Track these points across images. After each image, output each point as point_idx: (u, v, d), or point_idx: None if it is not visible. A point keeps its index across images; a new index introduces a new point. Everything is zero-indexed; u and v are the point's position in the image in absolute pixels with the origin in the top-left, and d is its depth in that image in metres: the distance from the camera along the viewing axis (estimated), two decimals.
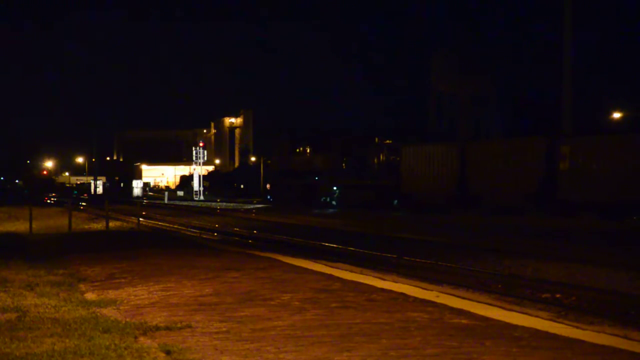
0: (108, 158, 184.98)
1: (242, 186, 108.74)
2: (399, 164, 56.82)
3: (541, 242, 28.73)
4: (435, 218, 45.50)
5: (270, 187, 79.75)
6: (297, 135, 75.90)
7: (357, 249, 25.12)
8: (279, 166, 76.17)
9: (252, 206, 71.32)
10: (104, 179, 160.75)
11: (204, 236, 33.57)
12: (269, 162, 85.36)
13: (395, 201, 57.38)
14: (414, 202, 54.63)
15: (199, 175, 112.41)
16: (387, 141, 62.50)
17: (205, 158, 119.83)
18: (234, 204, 77.46)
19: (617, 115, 66.95)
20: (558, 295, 15.84)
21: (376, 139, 64.01)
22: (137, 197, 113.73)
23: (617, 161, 41.59)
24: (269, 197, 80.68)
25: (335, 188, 65.59)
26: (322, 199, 66.65)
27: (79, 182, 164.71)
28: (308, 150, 71.32)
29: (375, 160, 60.61)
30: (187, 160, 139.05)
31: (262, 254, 20.39)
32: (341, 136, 67.24)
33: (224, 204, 79.37)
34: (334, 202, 65.44)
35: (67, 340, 9.29)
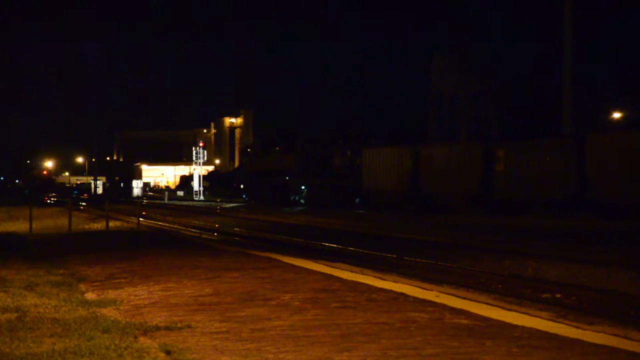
0: (108, 158, 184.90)
1: (241, 186, 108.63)
2: (360, 165, 59.87)
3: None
4: (391, 216, 48.35)
5: (245, 186, 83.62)
6: (270, 137, 79.65)
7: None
8: (254, 166, 79.44)
9: (230, 205, 74.54)
10: (104, 179, 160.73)
11: (204, 236, 33.60)
12: (244, 162, 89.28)
13: (357, 200, 60.63)
14: (373, 200, 57.62)
15: (199, 175, 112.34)
16: (352, 143, 65.75)
17: (205, 158, 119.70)
18: (207, 203, 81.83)
19: (617, 115, 66.96)
20: (558, 295, 15.86)
21: (340, 141, 67.62)
22: (137, 197, 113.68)
23: (544, 163, 44.27)
24: (244, 196, 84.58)
25: (303, 187, 68.81)
26: (291, 198, 69.82)
27: (79, 182, 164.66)
28: (278, 151, 74.61)
29: (340, 161, 64.09)
30: (187, 160, 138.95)
31: (262, 254, 20.40)
32: (309, 137, 71.91)
33: (224, 204, 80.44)
34: (302, 201, 68.54)
35: (67, 340, 9.29)
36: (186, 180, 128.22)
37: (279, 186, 71.72)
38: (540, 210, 43.43)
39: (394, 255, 22.51)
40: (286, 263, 17.86)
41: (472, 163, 49.28)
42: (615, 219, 37.80)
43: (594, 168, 41.18)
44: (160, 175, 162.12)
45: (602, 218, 38.78)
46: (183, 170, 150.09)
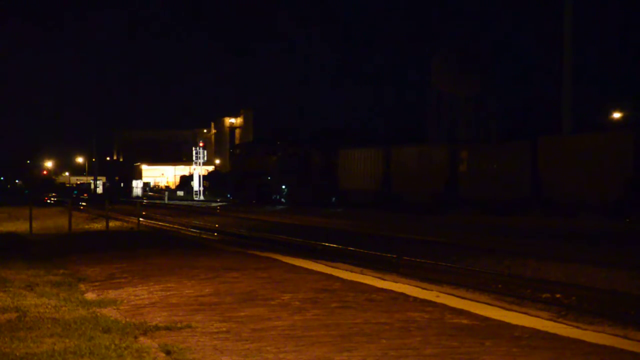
0: (108, 158, 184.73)
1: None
2: (337, 165, 62.72)
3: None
4: (363, 213, 50.74)
5: (230, 186, 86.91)
6: (253, 138, 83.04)
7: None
8: (239, 167, 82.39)
9: (215, 204, 77.80)
10: (104, 179, 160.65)
11: (204, 236, 33.62)
12: (229, 162, 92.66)
13: (334, 198, 63.49)
14: (349, 200, 60.33)
15: (199, 175, 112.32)
16: (331, 144, 68.58)
17: (205, 158, 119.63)
18: (207, 203, 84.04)
19: (617, 115, 66.96)
20: (558, 295, 15.85)
21: (316, 142, 71.84)
22: (137, 197, 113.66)
23: (503, 165, 46.74)
24: (229, 195, 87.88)
25: (284, 187, 71.67)
26: (273, 197, 72.68)
27: (79, 182, 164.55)
28: (261, 151, 77.61)
29: (318, 161, 67.05)
30: (187, 160, 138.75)
31: (262, 254, 20.40)
32: (290, 139, 75.49)
33: (209, 203, 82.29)
34: (283, 200, 71.34)
35: (67, 340, 9.30)
36: (186, 180, 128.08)
37: (261, 185, 74.76)
38: (498, 209, 45.47)
39: (394, 255, 22.51)
40: (286, 263, 17.86)
41: (439, 164, 51.64)
42: (566, 217, 40.11)
43: (546, 169, 43.51)
44: (160, 175, 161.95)
45: (554, 216, 40.94)
46: (183, 170, 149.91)
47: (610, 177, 39.74)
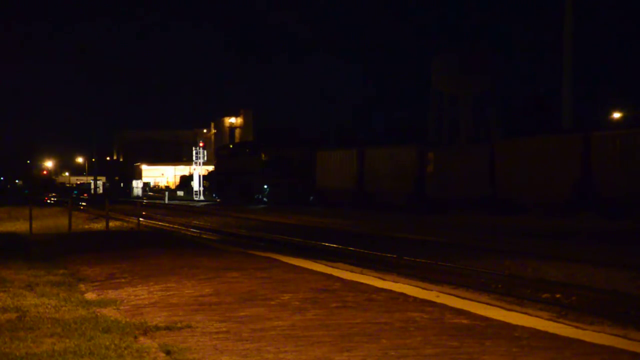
0: (108, 158, 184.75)
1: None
2: (315, 166, 65.51)
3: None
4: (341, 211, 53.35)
5: (216, 186, 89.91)
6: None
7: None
8: (225, 167, 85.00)
9: (204, 203, 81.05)
10: (104, 179, 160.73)
11: (204, 236, 33.62)
12: (215, 162, 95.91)
13: (311, 197, 66.54)
14: (324, 198, 63.17)
15: (199, 175, 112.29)
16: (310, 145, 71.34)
17: (205, 158, 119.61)
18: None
19: (617, 115, 66.99)
20: (558, 295, 15.85)
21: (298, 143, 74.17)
22: (137, 197, 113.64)
23: (466, 166, 48.89)
24: (214, 195, 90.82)
25: (265, 186, 74.26)
26: (255, 196, 75.41)
27: (79, 182, 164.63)
28: (246, 152, 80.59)
29: (298, 162, 69.97)
30: (187, 160, 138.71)
31: (262, 254, 20.40)
32: (270, 139, 77.82)
33: (197, 203, 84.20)
34: (265, 199, 74.04)
35: (67, 340, 9.30)
36: (186, 180, 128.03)
37: (244, 185, 77.17)
38: (463, 207, 47.45)
39: (394, 255, 22.51)
40: (286, 263, 17.85)
41: (409, 164, 53.63)
42: (518, 216, 42.19)
43: (502, 171, 45.66)
44: (160, 175, 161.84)
45: (508, 215, 42.78)
46: (183, 170, 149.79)
47: (560, 179, 41.23)
